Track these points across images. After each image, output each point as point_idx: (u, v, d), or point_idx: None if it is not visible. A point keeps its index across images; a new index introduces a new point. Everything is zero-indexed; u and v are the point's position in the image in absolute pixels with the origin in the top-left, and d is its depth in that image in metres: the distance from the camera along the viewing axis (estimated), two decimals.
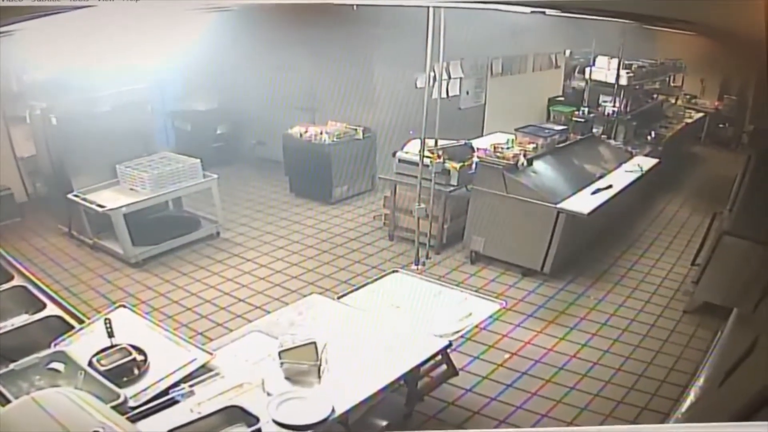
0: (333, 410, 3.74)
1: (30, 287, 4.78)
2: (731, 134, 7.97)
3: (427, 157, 6.93)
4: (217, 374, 4.05)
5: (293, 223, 7.66)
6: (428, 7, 6.07)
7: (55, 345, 4.25)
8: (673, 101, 8.71)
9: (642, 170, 7.46)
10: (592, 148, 7.82)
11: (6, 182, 7.02)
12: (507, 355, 5.60)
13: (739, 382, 4.13)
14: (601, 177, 7.23)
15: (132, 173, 6.97)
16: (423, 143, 6.80)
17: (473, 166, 7.06)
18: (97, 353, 4.16)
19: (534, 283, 6.62)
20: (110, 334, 4.27)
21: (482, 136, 7.94)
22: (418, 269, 6.77)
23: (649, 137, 8.30)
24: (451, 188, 7.13)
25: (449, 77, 8.19)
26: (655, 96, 8.70)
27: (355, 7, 5.78)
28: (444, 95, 7.89)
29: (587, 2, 4.42)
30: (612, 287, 6.55)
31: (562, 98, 8.91)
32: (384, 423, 4.49)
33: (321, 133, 7.99)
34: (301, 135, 8.07)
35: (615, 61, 8.09)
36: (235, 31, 6.30)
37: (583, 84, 8.36)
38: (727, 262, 5.56)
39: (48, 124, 6.71)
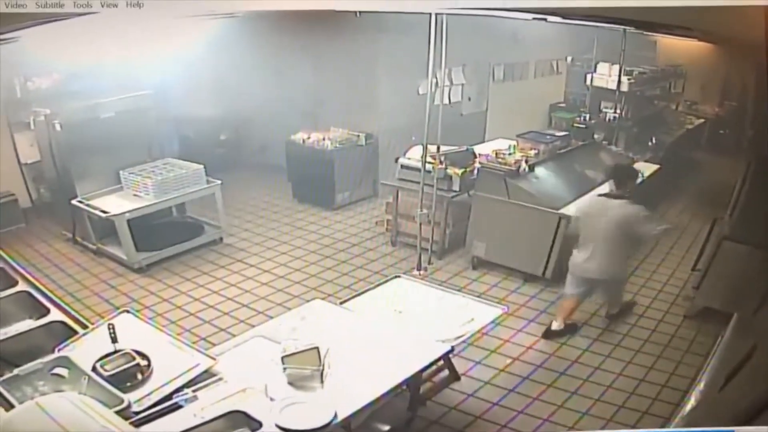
0: (336, 415, 3.75)
1: (34, 293, 4.79)
2: (731, 140, 7.98)
3: (430, 163, 6.95)
4: (220, 379, 4.06)
5: (296, 229, 7.68)
6: (430, 13, 6.10)
7: (59, 350, 4.26)
8: (673, 107, 8.73)
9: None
10: (594, 154, 7.82)
11: (10, 188, 7.05)
12: (509, 360, 5.62)
13: (739, 387, 4.15)
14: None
15: (135, 179, 7.00)
16: (425, 149, 6.83)
17: (475, 171, 7.08)
18: (101, 358, 4.17)
19: (536, 289, 6.63)
20: (114, 340, 4.28)
21: (484, 142, 7.95)
22: (420, 274, 6.78)
23: (650, 143, 8.31)
24: (453, 194, 7.15)
25: (451, 84, 8.21)
26: (655, 102, 8.72)
27: (358, 13, 5.80)
28: (446, 101, 7.91)
29: (588, 9, 4.44)
30: None
31: (563, 104, 8.95)
32: (386, 428, 4.50)
33: (323, 139, 8.01)
34: (303, 141, 8.09)
35: (616, 68, 8.11)
36: (238, 38, 6.34)
37: None
38: (728, 268, 5.59)
39: (52, 130, 6.74)
